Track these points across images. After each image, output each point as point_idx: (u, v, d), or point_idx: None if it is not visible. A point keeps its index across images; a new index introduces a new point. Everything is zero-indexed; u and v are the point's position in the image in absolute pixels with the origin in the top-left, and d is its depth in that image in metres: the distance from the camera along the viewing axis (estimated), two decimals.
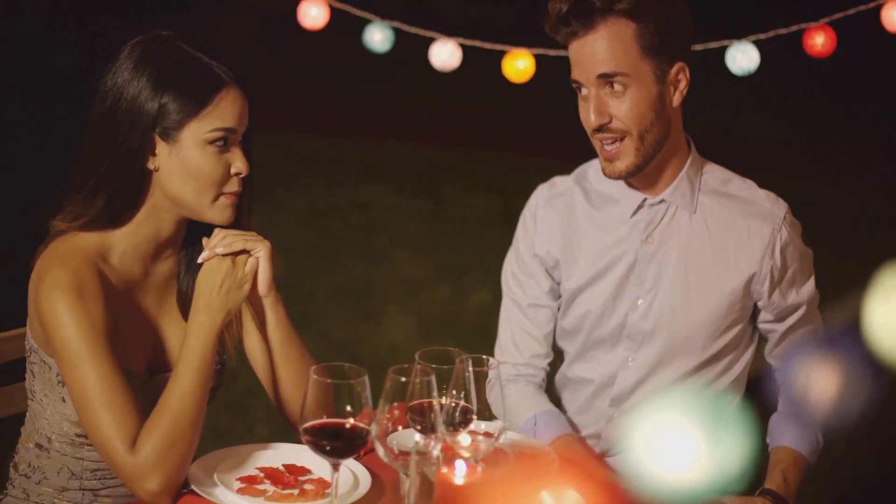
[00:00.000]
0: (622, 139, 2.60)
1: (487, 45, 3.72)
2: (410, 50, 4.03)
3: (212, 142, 2.38)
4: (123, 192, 2.39)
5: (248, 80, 2.45)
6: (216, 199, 2.41)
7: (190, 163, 2.37)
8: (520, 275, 2.87)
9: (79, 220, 2.40)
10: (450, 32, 3.73)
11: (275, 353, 2.53)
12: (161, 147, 2.38)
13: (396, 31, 3.82)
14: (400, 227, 7.88)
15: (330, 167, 9.35)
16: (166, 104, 2.35)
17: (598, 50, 2.56)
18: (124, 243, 2.44)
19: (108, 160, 2.38)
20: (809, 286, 2.78)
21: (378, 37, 3.80)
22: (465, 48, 3.79)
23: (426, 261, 7.25)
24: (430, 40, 3.74)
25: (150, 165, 2.39)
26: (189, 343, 2.36)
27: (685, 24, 2.64)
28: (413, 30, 3.75)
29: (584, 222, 2.80)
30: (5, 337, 2.68)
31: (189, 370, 2.33)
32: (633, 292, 2.74)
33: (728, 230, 2.71)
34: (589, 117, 2.61)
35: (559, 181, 2.88)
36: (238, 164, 2.42)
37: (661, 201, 2.72)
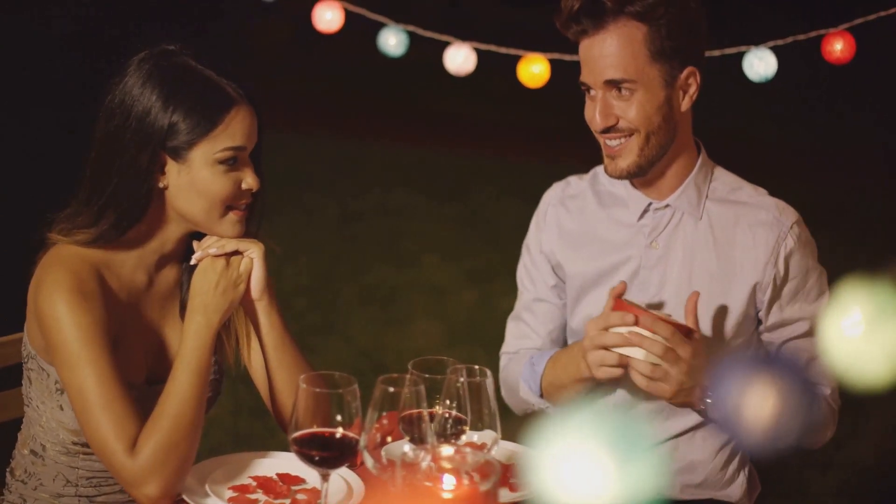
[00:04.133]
0: (629, 136, 2.58)
1: (503, 50, 3.68)
2: (433, 54, 4.01)
3: (222, 161, 2.35)
4: (132, 211, 2.36)
5: (258, 92, 2.42)
6: (225, 213, 2.40)
7: (200, 181, 2.35)
8: (532, 270, 2.87)
9: (83, 236, 2.37)
10: (464, 37, 3.69)
11: (268, 358, 2.51)
12: (171, 165, 2.36)
13: (412, 36, 3.80)
14: (428, 232, 7.86)
15: (360, 171, 9.35)
16: (176, 124, 2.32)
17: (606, 53, 2.54)
18: (128, 255, 2.42)
19: (115, 179, 2.35)
20: (816, 305, 2.69)
21: (393, 41, 3.77)
22: (483, 52, 3.75)
23: (454, 266, 7.23)
24: (446, 44, 3.71)
25: (160, 184, 2.37)
26: (186, 345, 2.33)
27: (698, 28, 2.60)
28: (428, 34, 3.72)
29: (592, 224, 2.78)
30: (3, 342, 2.66)
31: (187, 372, 2.31)
32: (637, 298, 2.70)
33: (733, 238, 2.66)
34: (595, 119, 2.59)
35: (574, 181, 2.87)
36: (249, 179, 2.39)
37: (667, 206, 2.69)
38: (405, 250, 7.49)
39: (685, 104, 2.61)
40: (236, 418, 4.86)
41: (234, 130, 2.35)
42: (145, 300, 2.48)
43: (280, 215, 7.93)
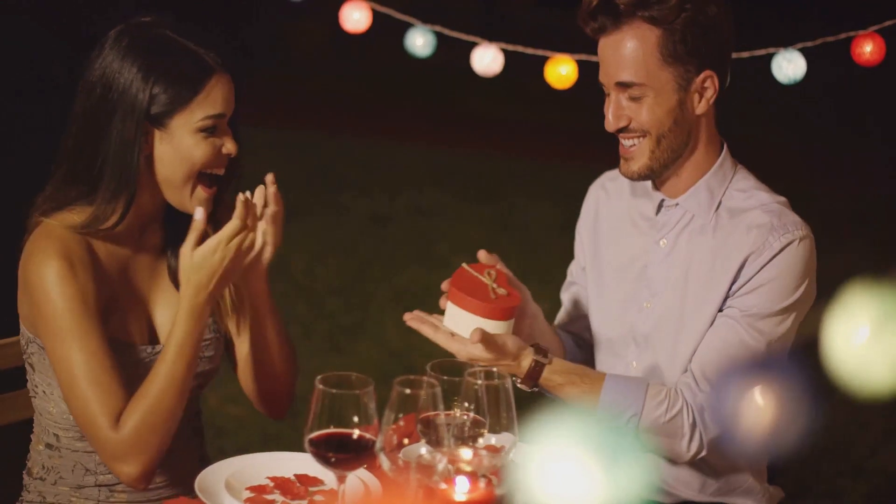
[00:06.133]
0: (643, 136, 2.58)
1: (529, 51, 3.66)
2: (460, 55, 3.99)
3: (203, 129, 2.41)
4: (126, 185, 2.39)
5: (237, 64, 2.48)
6: (195, 187, 2.44)
7: (183, 149, 2.41)
8: (576, 250, 2.93)
9: (79, 218, 2.40)
10: (492, 37, 3.67)
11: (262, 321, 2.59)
12: (155, 134, 2.41)
13: (439, 36, 3.78)
14: (460, 234, 7.84)
15: (391, 172, 9.35)
16: (157, 95, 2.37)
17: (618, 54, 2.55)
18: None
19: (102, 155, 2.39)
20: (769, 305, 2.54)
21: (420, 41, 3.76)
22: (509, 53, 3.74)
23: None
24: (473, 45, 3.69)
25: (147, 152, 2.42)
26: (178, 327, 2.36)
27: (718, 32, 2.56)
28: (454, 34, 3.71)
29: (621, 211, 2.81)
30: (3, 344, 2.66)
31: (176, 355, 2.35)
32: (642, 294, 2.70)
33: (729, 244, 2.59)
34: (608, 119, 2.60)
35: None
36: (228, 145, 2.46)
37: (676, 205, 2.67)
38: (437, 252, 7.47)
39: (700, 107, 2.58)
40: (264, 419, 4.86)
41: (214, 99, 2.41)
42: (134, 266, 2.52)
43: (312, 216, 7.94)
